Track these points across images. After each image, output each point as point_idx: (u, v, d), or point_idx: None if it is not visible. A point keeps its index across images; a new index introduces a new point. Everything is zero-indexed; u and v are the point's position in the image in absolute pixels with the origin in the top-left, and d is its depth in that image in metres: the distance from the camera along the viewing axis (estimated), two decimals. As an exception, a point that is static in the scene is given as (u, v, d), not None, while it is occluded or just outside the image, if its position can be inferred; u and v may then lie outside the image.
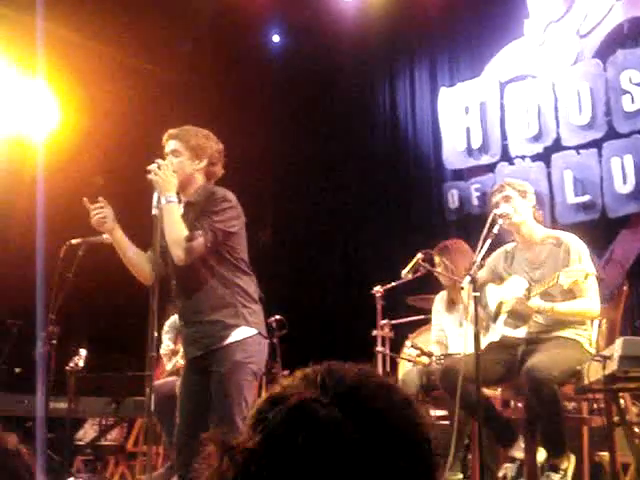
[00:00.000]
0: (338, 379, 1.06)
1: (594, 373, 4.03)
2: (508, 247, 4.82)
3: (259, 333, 3.82)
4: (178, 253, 3.72)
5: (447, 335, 5.55)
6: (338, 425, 1.00)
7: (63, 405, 5.62)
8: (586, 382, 4.12)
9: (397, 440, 1.03)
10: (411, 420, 1.06)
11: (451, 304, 5.60)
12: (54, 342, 4.91)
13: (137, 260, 3.96)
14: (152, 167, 3.79)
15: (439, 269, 5.58)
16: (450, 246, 5.69)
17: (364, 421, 1.01)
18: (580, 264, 4.35)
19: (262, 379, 6.57)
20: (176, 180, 3.81)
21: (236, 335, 3.75)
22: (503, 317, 4.64)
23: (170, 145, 3.95)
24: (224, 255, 3.84)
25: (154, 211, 3.74)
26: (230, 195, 3.90)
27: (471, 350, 4.09)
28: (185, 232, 3.73)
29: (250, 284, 3.91)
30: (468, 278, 4.14)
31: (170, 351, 6.25)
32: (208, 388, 3.75)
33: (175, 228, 3.74)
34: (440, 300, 5.72)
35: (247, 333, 3.77)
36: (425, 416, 1.10)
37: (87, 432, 7.31)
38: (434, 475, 1.06)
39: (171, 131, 3.98)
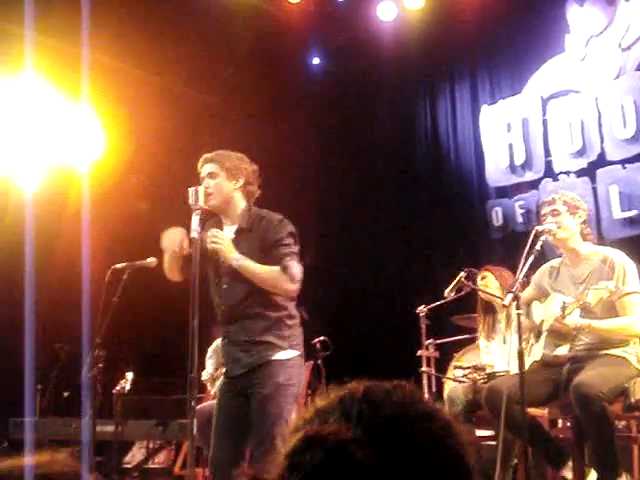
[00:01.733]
0: (376, 410, 1.04)
1: (641, 390, 3.96)
2: (554, 262, 4.77)
3: (300, 355, 3.91)
4: (286, 287, 3.86)
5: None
6: (376, 466, 0.98)
7: (110, 428, 5.67)
8: (633, 400, 4.05)
9: (437, 473, 1.01)
10: (451, 451, 1.04)
11: (489, 330, 5.53)
12: (101, 366, 4.96)
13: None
14: (210, 237, 3.90)
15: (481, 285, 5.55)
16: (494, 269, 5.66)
17: (403, 458, 1.00)
18: (622, 281, 4.28)
19: (307, 400, 6.56)
20: (229, 241, 3.91)
21: (279, 356, 3.82)
22: (544, 336, 4.58)
23: (206, 169, 4.05)
24: None
25: (193, 234, 3.78)
26: (281, 216, 4.03)
27: (515, 369, 4.04)
28: (276, 269, 3.83)
29: (297, 309, 4.04)
30: (510, 296, 4.10)
31: (211, 376, 6.27)
32: (247, 411, 3.78)
33: (265, 275, 3.85)
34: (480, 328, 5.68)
35: (290, 355, 3.85)
36: (467, 442, 1.08)
37: (135, 455, 7.35)
38: None
39: (206, 155, 4.09)
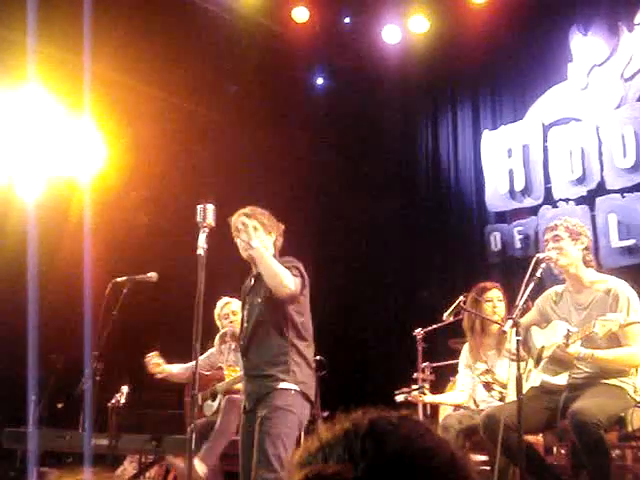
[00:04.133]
0: (380, 446, 1.03)
1: (638, 420, 3.97)
2: (559, 288, 4.78)
3: (304, 393, 4.02)
4: (289, 285, 4.01)
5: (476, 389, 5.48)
6: None
7: (104, 441, 5.63)
8: (630, 429, 4.06)
9: None
10: None
11: (476, 353, 5.52)
12: (97, 378, 4.96)
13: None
14: (238, 221, 4.18)
15: (488, 308, 5.53)
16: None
17: None
18: (627, 312, 4.29)
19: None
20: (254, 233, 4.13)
21: (282, 385, 3.96)
22: (543, 362, 4.59)
23: (245, 222, 4.23)
24: (289, 315, 4.09)
25: (199, 251, 3.81)
26: (299, 265, 4.19)
27: (513, 395, 4.05)
28: (284, 267, 4.04)
29: (308, 350, 4.15)
30: (510, 322, 4.11)
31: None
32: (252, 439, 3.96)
33: (276, 266, 4.03)
34: (465, 353, 5.65)
35: (292, 387, 3.98)
36: (472, 473, 1.07)
37: (126, 469, 7.30)
38: None
39: (242, 211, 4.27)
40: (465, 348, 5.64)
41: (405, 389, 5.75)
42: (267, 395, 3.95)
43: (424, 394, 5.64)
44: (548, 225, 4.81)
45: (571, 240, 4.56)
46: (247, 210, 4.25)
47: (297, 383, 3.98)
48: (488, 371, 5.27)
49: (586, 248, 4.62)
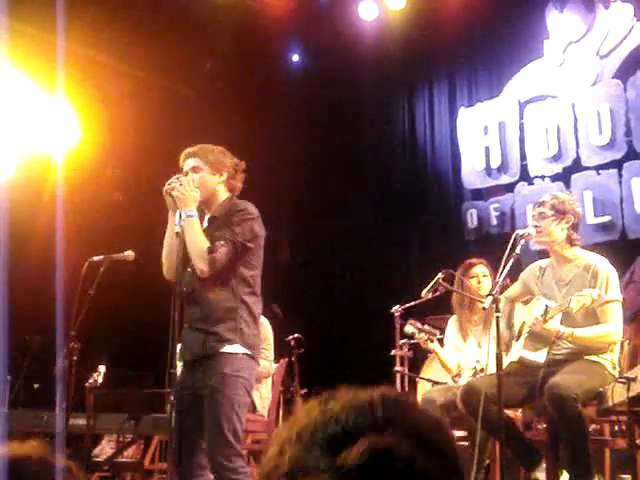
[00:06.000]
0: (403, 412, 1.00)
1: (618, 395, 4.01)
2: (542, 263, 4.80)
3: (252, 355, 3.82)
4: (200, 265, 3.77)
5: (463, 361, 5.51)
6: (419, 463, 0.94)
7: (81, 421, 5.60)
8: (610, 404, 4.09)
9: (455, 469, 0.99)
10: (456, 451, 1.02)
11: (465, 329, 5.57)
12: (74, 358, 4.92)
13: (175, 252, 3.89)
14: (172, 182, 3.83)
15: (474, 283, 5.56)
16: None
17: (439, 457, 0.96)
18: (605, 289, 4.33)
19: (280, 397, 6.56)
20: (198, 195, 3.85)
21: (228, 349, 3.75)
22: (523, 337, 4.62)
23: (189, 163, 4.01)
24: (238, 269, 3.86)
25: (177, 228, 3.75)
26: (251, 207, 3.96)
27: (493, 370, 4.07)
28: (207, 244, 3.78)
29: (257, 305, 3.94)
30: (490, 298, 4.12)
31: None
32: (200, 410, 3.73)
33: (197, 241, 3.78)
34: (452, 326, 5.69)
35: (239, 350, 3.77)
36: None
37: (104, 449, 7.30)
38: None
39: (188, 150, 4.05)
40: (451, 323, 5.67)
41: (419, 325, 5.67)
42: (212, 358, 3.73)
43: (431, 341, 5.59)
44: (539, 200, 4.79)
45: (555, 219, 4.55)
46: (193, 149, 4.02)
47: (245, 345, 3.76)
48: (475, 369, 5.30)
49: (572, 226, 4.60)
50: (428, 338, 5.56)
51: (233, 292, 3.84)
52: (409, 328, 5.66)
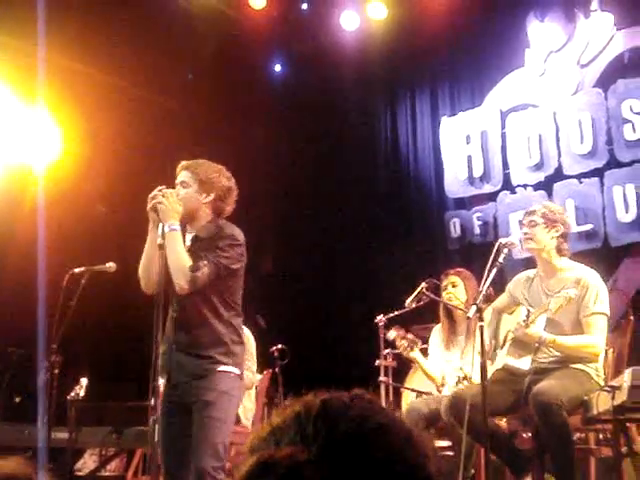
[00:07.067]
0: (332, 426, 1.00)
1: (603, 403, 4.01)
2: (530, 273, 4.82)
3: (239, 375, 3.88)
4: (180, 282, 3.74)
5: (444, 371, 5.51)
6: None
7: (63, 435, 5.55)
8: (595, 412, 4.09)
9: None
10: (411, 462, 1.01)
11: (448, 338, 5.58)
12: (56, 372, 4.87)
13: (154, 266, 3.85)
14: (156, 193, 3.78)
15: (444, 295, 5.57)
16: (463, 271, 5.69)
17: (360, 476, 0.96)
18: (594, 302, 4.36)
19: (264, 408, 6.52)
20: (181, 209, 3.81)
21: (223, 368, 3.80)
22: (507, 345, 4.63)
23: (181, 176, 3.98)
24: (223, 294, 3.87)
25: (159, 241, 3.72)
26: (238, 233, 3.93)
27: (478, 379, 4.07)
28: (189, 261, 3.75)
29: (240, 324, 3.99)
30: (474, 308, 4.12)
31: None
32: (190, 422, 3.73)
33: (178, 256, 3.75)
34: (436, 335, 5.70)
35: (232, 370, 3.83)
36: (429, 450, 1.05)
37: (86, 462, 7.23)
38: None
39: (184, 163, 4.01)
40: (434, 332, 5.67)
41: (402, 332, 5.69)
42: (206, 377, 3.76)
43: (412, 349, 5.60)
44: (528, 209, 4.83)
45: (545, 227, 4.58)
46: (188, 162, 3.97)
47: (236, 366, 3.82)
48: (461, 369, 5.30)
49: (562, 236, 4.63)
50: (408, 345, 5.57)
51: (221, 317, 3.85)
52: (391, 334, 5.70)
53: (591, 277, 4.53)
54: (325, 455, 0.97)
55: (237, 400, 3.92)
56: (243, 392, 4.12)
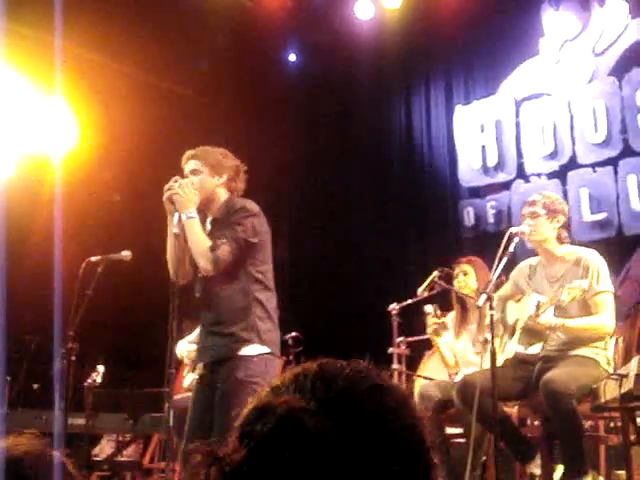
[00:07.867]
0: (328, 382, 1.03)
1: (611, 391, 4.03)
2: (532, 261, 4.84)
3: (270, 352, 3.82)
4: (204, 264, 3.79)
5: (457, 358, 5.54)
6: (327, 434, 0.96)
7: (80, 421, 5.64)
8: (602, 400, 4.12)
9: (390, 444, 1.00)
10: (405, 422, 1.04)
11: (461, 326, 5.59)
12: (73, 358, 4.94)
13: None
14: (171, 184, 3.84)
15: (456, 283, 5.59)
16: (475, 260, 5.70)
17: (355, 428, 0.98)
18: (596, 280, 4.37)
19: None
20: (197, 197, 3.88)
21: (245, 351, 3.75)
22: (517, 333, 4.65)
23: (190, 165, 4.03)
24: (246, 267, 3.86)
25: (175, 230, 3.78)
26: (250, 205, 3.95)
27: (488, 366, 4.10)
28: (208, 243, 3.80)
29: (271, 300, 3.93)
30: (484, 296, 4.15)
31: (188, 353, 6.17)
32: (213, 405, 3.77)
33: (198, 240, 3.81)
34: (450, 323, 5.72)
35: (257, 351, 3.77)
36: (420, 415, 1.08)
37: (103, 448, 7.32)
38: (430, 475, 1.04)
39: (189, 152, 4.06)
40: (448, 320, 5.69)
41: (438, 312, 5.65)
42: (228, 361, 3.74)
43: (438, 335, 5.60)
44: (527, 200, 4.83)
45: (547, 218, 4.60)
46: (193, 151, 4.03)
47: (262, 343, 3.76)
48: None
49: (563, 226, 4.65)
50: (438, 329, 5.56)
51: (244, 291, 3.84)
52: (428, 308, 5.63)
53: (590, 256, 4.55)
54: (322, 409, 0.99)
55: (260, 387, 3.82)
56: (276, 369, 3.96)
